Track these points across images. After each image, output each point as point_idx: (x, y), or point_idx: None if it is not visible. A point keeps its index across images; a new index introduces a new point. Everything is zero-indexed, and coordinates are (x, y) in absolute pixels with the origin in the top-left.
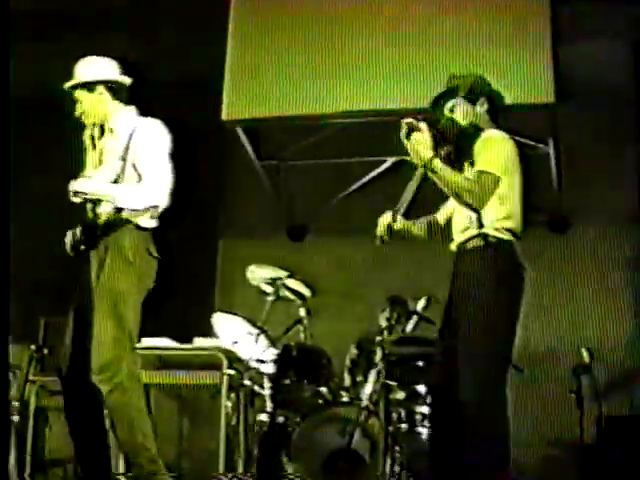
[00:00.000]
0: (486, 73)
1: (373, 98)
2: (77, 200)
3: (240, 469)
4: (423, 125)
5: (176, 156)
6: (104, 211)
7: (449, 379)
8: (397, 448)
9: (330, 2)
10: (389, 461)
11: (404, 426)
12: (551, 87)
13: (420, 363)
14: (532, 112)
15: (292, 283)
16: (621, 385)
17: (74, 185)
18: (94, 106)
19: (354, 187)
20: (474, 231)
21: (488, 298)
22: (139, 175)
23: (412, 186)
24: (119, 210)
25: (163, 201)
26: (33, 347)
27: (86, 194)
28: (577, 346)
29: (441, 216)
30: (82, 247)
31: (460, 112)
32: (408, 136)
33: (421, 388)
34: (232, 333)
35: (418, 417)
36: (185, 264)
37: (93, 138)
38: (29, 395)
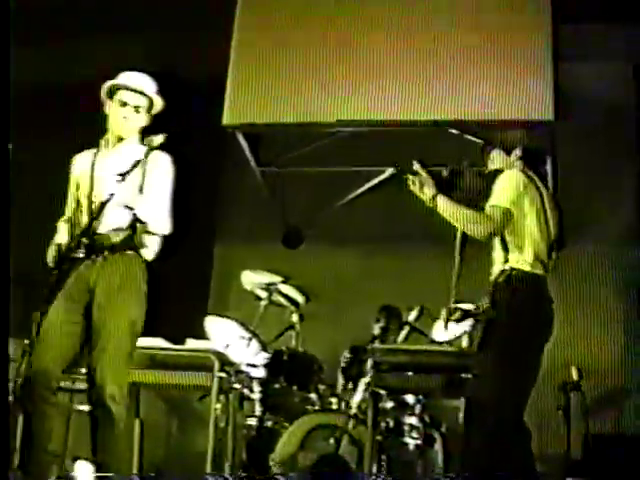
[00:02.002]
0: (487, 89)
1: (374, 108)
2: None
3: (227, 472)
4: (417, 166)
5: (174, 159)
6: (112, 227)
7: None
8: (383, 457)
9: (334, 10)
10: (375, 469)
11: (392, 435)
12: (550, 105)
13: (410, 373)
14: (531, 129)
15: (286, 289)
16: (609, 404)
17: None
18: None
19: (351, 196)
20: (501, 266)
21: (516, 331)
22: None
23: (455, 271)
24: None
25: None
26: (27, 341)
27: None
28: (567, 363)
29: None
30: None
31: (498, 161)
32: (412, 181)
33: (410, 398)
34: (224, 336)
35: (406, 427)
36: (181, 267)
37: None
38: None
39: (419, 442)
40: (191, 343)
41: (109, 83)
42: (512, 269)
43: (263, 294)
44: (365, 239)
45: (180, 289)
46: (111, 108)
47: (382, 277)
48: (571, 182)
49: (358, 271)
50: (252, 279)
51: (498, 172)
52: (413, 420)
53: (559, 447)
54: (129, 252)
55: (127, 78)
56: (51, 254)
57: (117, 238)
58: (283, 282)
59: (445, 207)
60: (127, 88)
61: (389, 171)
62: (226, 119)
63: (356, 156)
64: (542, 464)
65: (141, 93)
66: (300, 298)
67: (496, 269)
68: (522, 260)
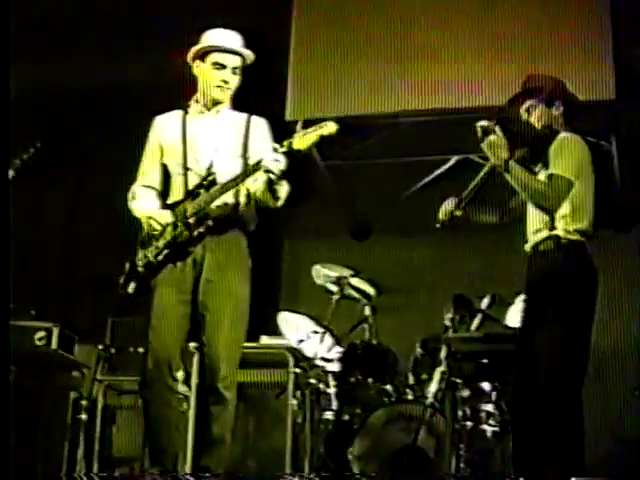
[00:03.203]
0: (548, 70)
1: (435, 97)
2: (274, 169)
3: (306, 467)
4: (497, 127)
5: None
6: (223, 204)
7: (526, 375)
8: (462, 446)
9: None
10: (454, 459)
11: (469, 424)
12: (612, 84)
13: (485, 360)
14: (594, 109)
15: (357, 282)
16: None
17: (270, 160)
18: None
19: (418, 186)
20: (546, 233)
21: (560, 301)
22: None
23: (479, 176)
24: (236, 207)
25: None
26: (100, 346)
27: (279, 172)
28: None
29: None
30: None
31: (536, 114)
32: (483, 139)
33: (486, 386)
34: (297, 332)
35: (483, 415)
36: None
37: None
38: (97, 394)
39: (496, 429)
40: (265, 340)
41: (202, 45)
42: (558, 236)
43: (334, 288)
44: (434, 228)
45: (251, 286)
46: (203, 70)
47: (452, 266)
48: (635, 161)
49: (428, 261)
50: (323, 273)
51: (553, 132)
52: (490, 407)
53: (637, 429)
54: (233, 226)
55: (221, 39)
56: (152, 229)
57: (223, 212)
58: (354, 275)
59: (517, 174)
60: (224, 50)
61: (454, 158)
62: (289, 114)
63: (420, 145)
64: (621, 446)
65: (236, 53)
66: (372, 291)
67: (539, 235)
68: (571, 228)
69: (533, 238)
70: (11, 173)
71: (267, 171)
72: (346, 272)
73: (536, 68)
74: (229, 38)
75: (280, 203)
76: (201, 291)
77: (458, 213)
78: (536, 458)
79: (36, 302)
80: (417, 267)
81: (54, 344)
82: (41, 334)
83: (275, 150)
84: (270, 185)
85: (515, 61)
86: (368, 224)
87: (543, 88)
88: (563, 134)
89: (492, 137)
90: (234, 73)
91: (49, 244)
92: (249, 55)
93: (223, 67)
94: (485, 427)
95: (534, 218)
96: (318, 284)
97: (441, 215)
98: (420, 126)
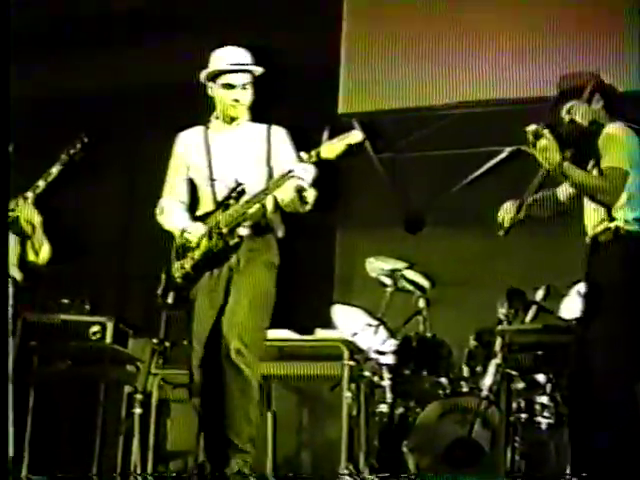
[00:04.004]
0: (599, 60)
1: (486, 88)
2: (305, 179)
3: (361, 460)
4: (546, 131)
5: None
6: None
7: (583, 367)
8: (517, 438)
9: None
10: (509, 451)
11: (523, 416)
12: None
13: (540, 352)
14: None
15: (411, 274)
16: None
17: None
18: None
19: (471, 177)
20: (605, 224)
21: (621, 292)
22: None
23: (537, 179)
24: (264, 214)
25: None
26: (155, 340)
27: (304, 183)
28: None
29: (561, 192)
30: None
31: (578, 113)
32: (534, 144)
33: (541, 378)
34: (351, 325)
35: (537, 407)
36: (304, 256)
37: None
38: (151, 388)
39: (551, 421)
40: (319, 333)
41: (209, 70)
42: (618, 227)
43: (388, 281)
44: (487, 220)
45: (305, 279)
46: (216, 91)
47: (506, 257)
48: None
49: (482, 252)
50: (376, 266)
51: (599, 127)
52: (544, 399)
53: None
54: (264, 232)
55: (228, 59)
56: (185, 243)
57: (253, 220)
58: (408, 268)
59: (573, 175)
60: (231, 71)
61: (507, 150)
62: (342, 108)
63: (472, 137)
64: None
65: (243, 70)
66: (426, 283)
67: (598, 228)
68: (630, 217)
69: (592, 232)
70: (58, 167)
71: (298, 180)
72: (400, 265)
73: (586, 59)
74: (234, 56)
75: (308, 208)
76: (230, 286)
77: (521, 216)
78: (593, 452)
79: (91, 296)
80: (471, 259)
81: (108, 338)
82: (96, 328)
83: (303, 160)
84: (299, 192)
85: (564, 52)
86: (421, 216)
87: (580, 86)
88: (608, 127)
89: (543, 141)
90: (244, 89)
91: (103, 239)
92: (257, 69)
93: (232, 87)
94: (540, 419)
95: (592, 212)
96: (372, 277)
97: (505, 222)
98: (472, 118)
